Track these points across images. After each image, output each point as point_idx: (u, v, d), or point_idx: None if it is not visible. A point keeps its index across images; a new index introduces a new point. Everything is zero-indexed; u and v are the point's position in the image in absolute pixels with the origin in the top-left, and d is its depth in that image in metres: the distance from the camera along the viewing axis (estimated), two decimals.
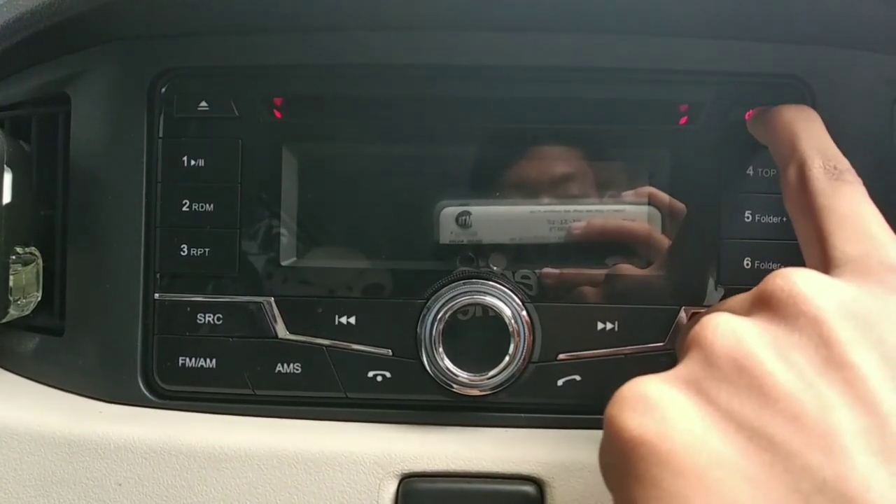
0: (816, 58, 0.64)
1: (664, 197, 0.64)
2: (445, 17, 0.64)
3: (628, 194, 0.65)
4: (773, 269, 0.63)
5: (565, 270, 0.64)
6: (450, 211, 0.65)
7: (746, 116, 0.63)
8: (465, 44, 0.65)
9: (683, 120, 0.64)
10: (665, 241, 0.64)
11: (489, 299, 0.61)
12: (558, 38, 0.64)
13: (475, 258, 0.64)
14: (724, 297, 0.63)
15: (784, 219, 0.64)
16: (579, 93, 0.65)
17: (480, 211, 0.65)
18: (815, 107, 0.64)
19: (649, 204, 0.64)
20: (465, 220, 0.65)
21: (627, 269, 0.64)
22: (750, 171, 0.64)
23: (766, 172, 0.64)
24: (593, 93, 0.65)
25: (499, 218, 0.65)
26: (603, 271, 0.64)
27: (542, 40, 0.64)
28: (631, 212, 0.65)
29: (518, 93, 0.65)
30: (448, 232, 0.65)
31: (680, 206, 0.64)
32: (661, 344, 0.63)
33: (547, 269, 0.64)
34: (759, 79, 0.65)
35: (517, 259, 0.64)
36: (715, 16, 0.62)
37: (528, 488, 0.58)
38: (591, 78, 0.65)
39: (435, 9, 0.63)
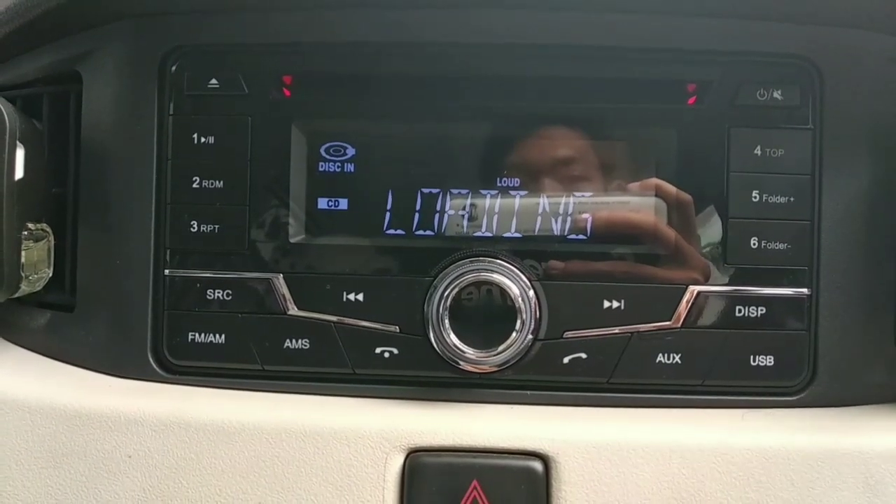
0: (824, 38, 0.64)
1: (671, 189, 0.64)
2: None
3: (635, 186, 0.65)
4: (779, 250, 0.64)
5: (571, 261, 0.64)
6: (457, 203, 0.65)
7: None
8: (475, 21, 0.65)
9: (692, 100, 0.64)
10: (671, 231, 0.64)
11: (496, 277, 0.61)
12: (567, 17, 0.64)
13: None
14: (731, 277, 0.64)
15: (791, 199, 0.64)
16: (588, 72, 0.65)
17: (487, 203, 0.65)
18: (822, 86, 0.64)
19: (656, 195, 0.64)
20: (472, 212, 0.65)
21: (633, 259, 0.64)
22: (758, 151, 0.64)
23: (774, 152, 0.64)
24: (602, 72, 0.65)
25: (505, 209, 0.65)
26: (609, 263, 0.64)
27: (550, 18, 0.64)
28: (637, 203, 0.65)
29: (525, 72, 0.65)
30: (454, 224, 0.65)
31: (686, 196, 0.64)
32: (667, 322, 0.63)
33: (553, 262, 0.64)
34: (768, 58, 0.65)
35: (523, 249, 0.64)
36: None
37: (535, 464, 0.59)
38: (600, 56, 0.65)
39: None
